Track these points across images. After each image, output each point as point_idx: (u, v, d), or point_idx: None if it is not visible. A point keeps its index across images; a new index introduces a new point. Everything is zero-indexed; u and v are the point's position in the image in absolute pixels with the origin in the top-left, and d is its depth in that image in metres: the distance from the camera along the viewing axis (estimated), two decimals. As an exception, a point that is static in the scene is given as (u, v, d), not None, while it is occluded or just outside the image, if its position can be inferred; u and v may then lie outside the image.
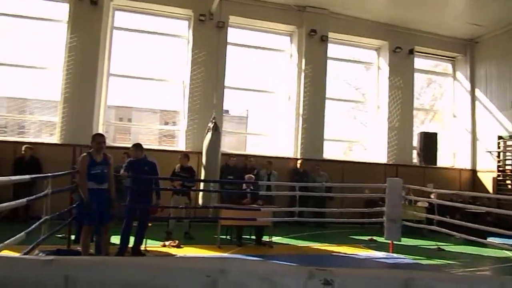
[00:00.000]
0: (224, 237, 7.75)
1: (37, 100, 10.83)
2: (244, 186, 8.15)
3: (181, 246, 6.96)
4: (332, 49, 12.07)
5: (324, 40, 11.59)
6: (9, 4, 10.09)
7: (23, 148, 8.84)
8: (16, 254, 3.43)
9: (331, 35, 11.73)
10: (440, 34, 12.75)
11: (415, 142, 12.55)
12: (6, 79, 10.40)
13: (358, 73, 13.35)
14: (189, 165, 8.06)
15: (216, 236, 7.27)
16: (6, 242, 3.72)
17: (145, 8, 10.75)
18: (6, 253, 3.60)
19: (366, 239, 8.77)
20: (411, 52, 12.51)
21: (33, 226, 4.39)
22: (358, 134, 13.21)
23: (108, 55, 10.52)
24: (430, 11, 11.37)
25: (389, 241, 7.53)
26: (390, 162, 12.13)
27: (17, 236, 3.94)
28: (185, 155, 8.21)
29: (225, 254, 6.70)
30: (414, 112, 12.94)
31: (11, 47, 10.13)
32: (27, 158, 8.73)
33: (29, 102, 11.01)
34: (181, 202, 7.68)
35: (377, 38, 12.45)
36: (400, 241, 7.44)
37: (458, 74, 13.60)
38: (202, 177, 8.48)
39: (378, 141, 12.48)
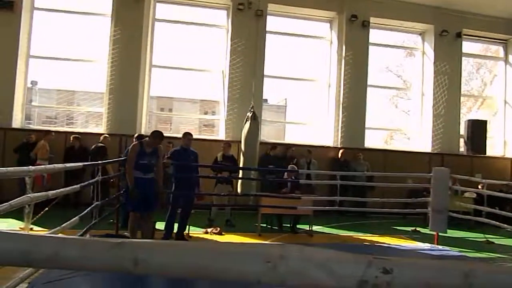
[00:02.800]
0: (265, 225, 7.82)
1: (84, 92, 11.35)
2: (285, 175, 8.17)
3: (223, 233, 7.10)
4: (374, 35, 11.70)
5: (365, 25, 11.26)
6: (58, 1, 10.55)
7: (71, 138, 9.29)
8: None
9: (372, 20, 11.37)
10: (490, 15, 11.99)
11: (462, 130, 11.99)
12: (56, 73, 10.94)
13: (401, 59, 12.89)
14: (231, 154, 8.20)
15: (256, 224, 7.35)
16: (62, 225, 3.95)
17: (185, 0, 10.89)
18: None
19: (410, 230, 8.54)
20: (459, 35, 11.88)
21: (85, 211, 4.63)
22: (400, 122, 12.81)
23: (150, 47, 10.77)
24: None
25: (434, 233, 7.30)
26: (435, 151, 11.68)
27: (72, 220, 4.18)
28: (228, 144, 8.35)
29: (267, 242, 6.77)
30: (462, 98, 12.34)
31: (60, 41, 10.61)
32: (76, 147, 9.17)
33: (77, 94, 11.55)
34: (224, 190, 7.83)
35: (421, 21, 11.92)
36: (446, 232, 7.20)
37: (511, 58, 12.79)
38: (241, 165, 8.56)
39: (422, 129, 12.05)
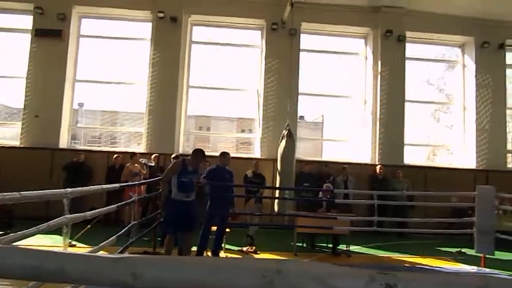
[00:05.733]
0: (301, 244, 7.71)
1: (126, 112, 11.85)
2: (320, 194, 8.06)
3: (258, 252, 7.07)
4: (411, 49, 11.47)
5: (401, 40, 11.07)
6: (102, 28, 11.21)
7: (113, 158, 9.69)
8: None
9: (408, 34, 11.16)
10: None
11: (510, 145, 11.37)
12: (100, 95, 11.53)
13: (440, 73, 12.51)
14: (259, 172, 8.27)
15: (292, 243, 7.27)
16: (100, 244, 4.10)
17: (220, 22, 11.20)
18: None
19: (454, 251, 8.12)
20: (502, 46, 11.39)
21: (122, 231, 4.78)
22: (442, 138, 12.35)
23: (187, 68, 11.13)
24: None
25: (481, 255, 6.90)
26: (480, 168, 11.12)
27: (110, 239, 4.33)
28: (257, 162, 8.46)
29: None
30: (508, 111, 11.75)
31: (103, 65, 11.20)
32: (117, 166, 9.53)
33: (119, 115, 12.08)
34: (256, 208, 7.84)
35: (460, 34, 11.56)
36: (493, 254, 6.78)
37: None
38: (277, 184, 8.55)
39: (466, 145, 11.54)
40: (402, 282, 0.86)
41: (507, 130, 11.53)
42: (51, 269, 0.93)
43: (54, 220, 2.91)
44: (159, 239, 6.62)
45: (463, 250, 8.01)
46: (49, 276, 0.95)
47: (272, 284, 0.88)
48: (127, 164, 8.79)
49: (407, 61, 11.29)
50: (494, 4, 10.64)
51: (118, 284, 0.93)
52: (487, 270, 6.64)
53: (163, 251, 5.90)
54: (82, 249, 5.52)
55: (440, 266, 6.88)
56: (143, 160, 8.13)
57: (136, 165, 8.62)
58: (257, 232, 7.94)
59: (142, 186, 7.72)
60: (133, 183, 6.85)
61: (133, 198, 5.05)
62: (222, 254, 6.66)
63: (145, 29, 10.96)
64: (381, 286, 0.85)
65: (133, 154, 9.08)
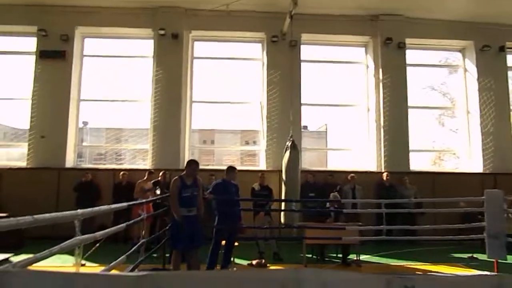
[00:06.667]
0: (310, 256, 7.67)
1: (130, 129, 11.92)
2: (327, 204, 8.03)
3: (267, 265, 7.03)
4: (411, 55, 11.52)
5: (401, 47, 11.13)
6: (105, 47, 11.35)
7: (120, 175, 9.73)
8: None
9: (408, 41, 11.22)
10: (535, 26, 11.49)
11: (516, 147, 11.31)
12: (105, 113, 11.62)
13: (442, 78, 12.53)
14: (266, 184, 8.25)
15: (302, 255, 7.23)
16: (111, 264, 4.10)
17: (221, 36, 11.32)
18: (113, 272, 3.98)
19: (466, 257, 8.04)
20: (502, 49, 11.43)
21: (131, 250, 4.78)
22: (448, 143, 12.32)
23: (190, 83, 11.22)
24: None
25: (493, 260, 6.82)
26: (487, 171, 11.06)
27: (119, 259, 4.33)
28: (263, 174, 8.43)
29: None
30: (512, 114, 11.72)
31: (107, 84, 11.31)
32: (124, 183, 9.57)
33: (124, 132, 12.15)
34: (265, 221, 7.80)
35: (460, 38, 11.61)
36: (506, 259, 6.70)
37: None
38: (283, 196, 8.52)
39: (472, 149, 11.50)
40: (419, 284, 0.87)
41: (513, 133, 11.48)
42: None
43: (66, 242, 2.92)
44: (168, 255, 6.61)
45: (475, 255, 7.94)
46: None
47: None
48: (139, 181, 8.82)
49: (408, 68, 11.34)
50: (491, 8, 10.69)
51: None
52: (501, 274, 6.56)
53: (171, 268, 5.89)
54: (91, 268, 5.52)
55: (453, 273, 6.80)
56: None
57: (148, 182, 8.69)
58: (272, 245, 7.85)
59: (150, 204, 7.76)
60: (141, 201, 6.86)
61: (142, 216, 5.06)
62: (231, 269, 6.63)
63: (147, 47, 11.10)
64: None
65: (150, 172, 9.11)
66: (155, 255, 6.72)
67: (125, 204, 4.68)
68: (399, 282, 0.86)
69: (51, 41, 10.53)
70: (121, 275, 1.00)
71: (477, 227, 7.47)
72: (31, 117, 10.46)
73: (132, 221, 5.03)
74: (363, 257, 7.56)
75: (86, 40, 11.32)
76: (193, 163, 5.85)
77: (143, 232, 6.44)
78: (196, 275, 0.99)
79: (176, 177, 5.76)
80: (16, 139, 11.34)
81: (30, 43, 10.80)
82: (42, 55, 10.52)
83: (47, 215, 2.55)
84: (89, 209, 3.25)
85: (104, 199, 9.28)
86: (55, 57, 10.51)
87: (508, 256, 6.73)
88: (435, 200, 8.89)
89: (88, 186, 9.60)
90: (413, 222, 9.02)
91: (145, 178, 8.95)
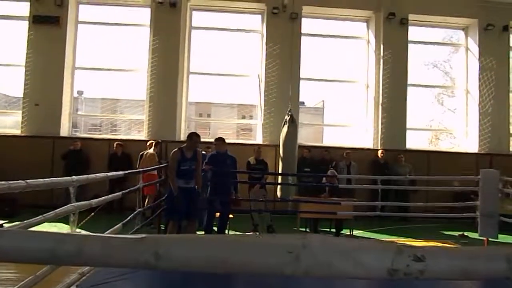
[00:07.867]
0: (304, 229, 7.74)
1: (126, 100, 11.78)
2: (324, 179, 8.05)
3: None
4: (414, 32, 11.33)
5: (404, 23, 10.92)
6: (100, 14, 11.04)
7: (114, 145, 9.65)
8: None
9: (411, 17, 11.00)
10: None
11: (513, 128, 11.32)
12: (100, 82, 11.44)
13: (443, 56, 12.39)
14: (262, 158, 8.22)
15: (295, 228, 7.29)
16: (106, 232, 4.09)
17: (220, 6, 11.03)
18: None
19: (456, 235, 8.16)
20: (506, 29, 11.23)
21: (128, 218, 4.78)
22: (445, 122, 12.30)
23: (187, 54, 11.00)
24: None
25: (484, 238, 6.92)
26: (483, 152, 11.09)
27: (115, 227, 4.32)
28: (259, 148, 8.39)
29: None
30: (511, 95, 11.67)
31: (103, 52, 11.07)
32: (119, 154, 9.50)
33: (120, 102, 12.01)
34: (260, 194, 7.82)
35: (464, 16, 11.38)
36: (497, 238, 6.80)
37: None
38: (280, 170, 8.52)
39: (469, 129, 11.49)
40: (429, 254, 0.85)
41: (511, 114, 11.45)
42: (69, 251, 0.91)
43: (61, 208, 2.88)
44: (163, 227, 6.65)
45: (466, 233, 8.06)
46: (67, 259, 0.93)
47: (298, 259, 0.85)
48: (152, 152, 8.41)
49: (410, 45, 11.16)
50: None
51: (139, 264, 0.91)
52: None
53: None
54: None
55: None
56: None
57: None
58: (265, 218, 7.88)
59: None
60: (137, 170, 6.82)
61: (138, 185, 5.03)
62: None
63: (144, 15, 10.80)
64: (409, 258, 0.84)
65: (157, 142, 8.74)
66: (152, 225, 6.74)
67: (120, 172, 4.63)
68: (409, 251, 0.82)
69: (45, 6, 10.21)
70: (116, 237, 0.95)
71: (468, 206, 7.56)
72: (25, 85, 10.26)
73: (127, 190, 4.99)
74: (356, 232, 7.65)
75: (81, 6, 10.99)
76: (194, 136, 5.75)
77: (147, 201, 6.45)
78: (195, 239, 0.95)
79: (176, 149, 5.69)
80: (10, 106, 11.18)
81: (24, 8, 10.47)
82: (36, 20, 10.21)
83: (40, 180, 2.50)
84: (84, 176, 3.20)
85: (96, 169, 9.19)
86: (49, 23, 10.21)
87: (499, 235, 6.83)
88: (429, 178, 8.96)
89: (77, 154, 9.50)
90: (406, 200, 9.10)
91: (153, 149, 8.64)
